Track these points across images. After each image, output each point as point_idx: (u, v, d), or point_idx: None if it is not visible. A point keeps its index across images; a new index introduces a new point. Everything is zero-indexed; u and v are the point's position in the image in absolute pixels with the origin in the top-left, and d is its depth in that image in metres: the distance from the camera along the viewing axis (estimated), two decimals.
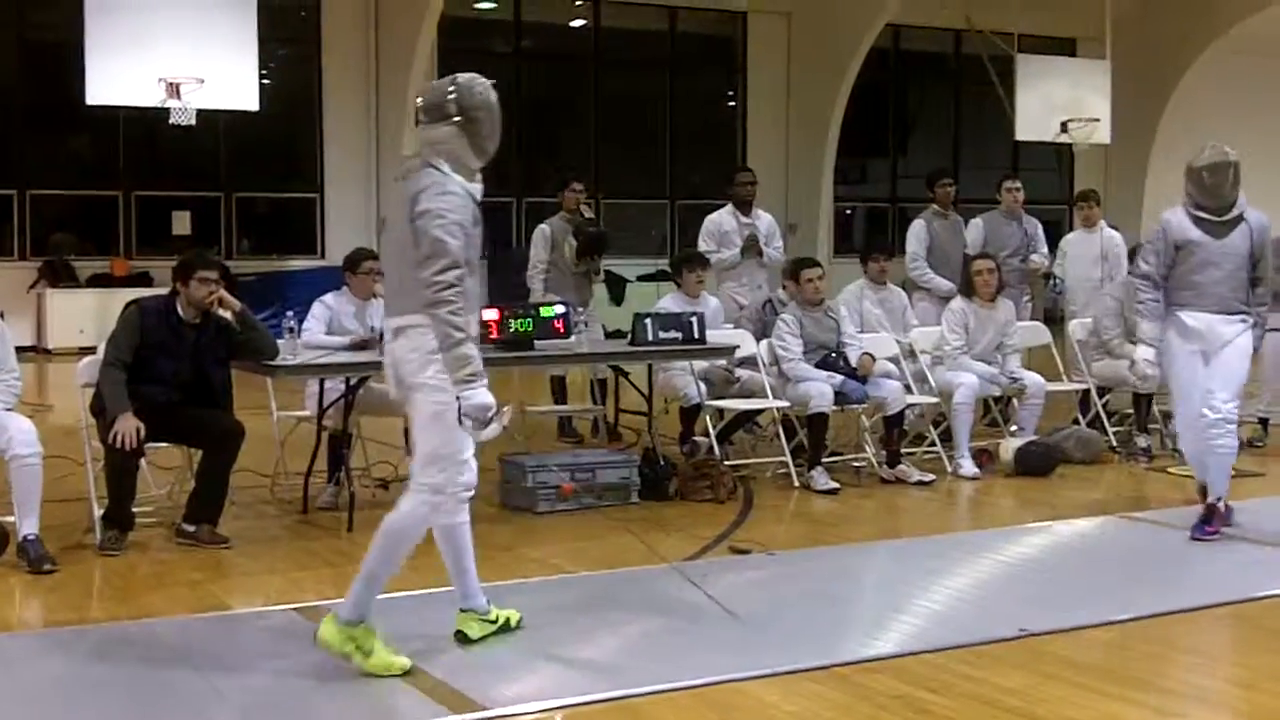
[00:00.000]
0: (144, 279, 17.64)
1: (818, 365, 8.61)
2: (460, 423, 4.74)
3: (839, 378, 8.52)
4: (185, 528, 6.83)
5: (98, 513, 6.84)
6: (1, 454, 6.40)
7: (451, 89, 4.93)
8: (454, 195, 4.82)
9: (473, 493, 5.05)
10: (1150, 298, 7.16)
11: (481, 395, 4.73)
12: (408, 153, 17.62)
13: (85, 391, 7.07)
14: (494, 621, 5.25)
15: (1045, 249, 11.02)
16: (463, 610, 5.22)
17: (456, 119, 4.89)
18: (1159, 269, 7.12)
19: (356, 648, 4.81)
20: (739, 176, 10.70)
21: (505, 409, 5.05)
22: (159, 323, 6.84)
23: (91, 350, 7.18)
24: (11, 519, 6.40)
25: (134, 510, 6.72)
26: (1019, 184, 11.00)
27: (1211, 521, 7.02)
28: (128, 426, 6.56)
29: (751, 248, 10.22)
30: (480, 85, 4.96)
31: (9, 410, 6.59)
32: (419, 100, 4.99)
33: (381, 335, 5.79)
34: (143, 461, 6.76)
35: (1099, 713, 4.46)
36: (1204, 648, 5.28)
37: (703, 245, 10.21)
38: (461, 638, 5.17)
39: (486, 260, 20.49)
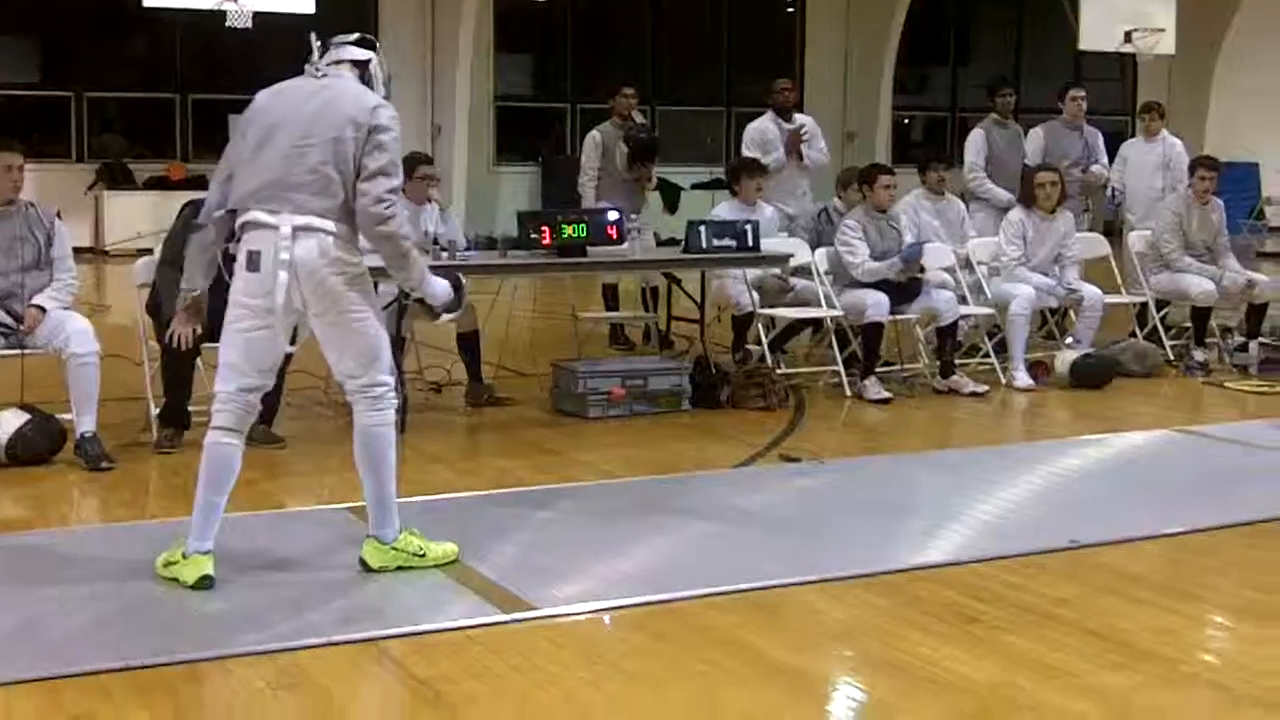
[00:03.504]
0: (200, 182, 17.57)
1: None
2: (437, 315, 5.13)
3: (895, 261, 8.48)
4: None
5: (154, 411, 6.91)
6: (59, 353, 6.47)
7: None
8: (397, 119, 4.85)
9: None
10: None
11: (440, 282, 4.98)
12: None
13: (142, 292, 7.12)
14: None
15: (1105, 159, 10.83)
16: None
17: (386, 77, 5.23)
18: None
19: (409, 555, 4.85)
20: (776, 83, 10.56)
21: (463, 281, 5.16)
22: None
23: (148, 252, 7.22)
24: (69, 417, 6.47)
25: (190, 409, 6.76)
26: (1084, 93, 10.80)
27: None
28: (184, 326, 6.59)
29: (794, 144, 10.08)
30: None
31: (66, 309, 6.66)
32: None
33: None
34: (199, 361, 6.80)
35: (1149, 624, 4.45)
36: (1257, 562, 5.24)
37: (747, 154, 10.09)
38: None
39: (541, 165, 20.49)
